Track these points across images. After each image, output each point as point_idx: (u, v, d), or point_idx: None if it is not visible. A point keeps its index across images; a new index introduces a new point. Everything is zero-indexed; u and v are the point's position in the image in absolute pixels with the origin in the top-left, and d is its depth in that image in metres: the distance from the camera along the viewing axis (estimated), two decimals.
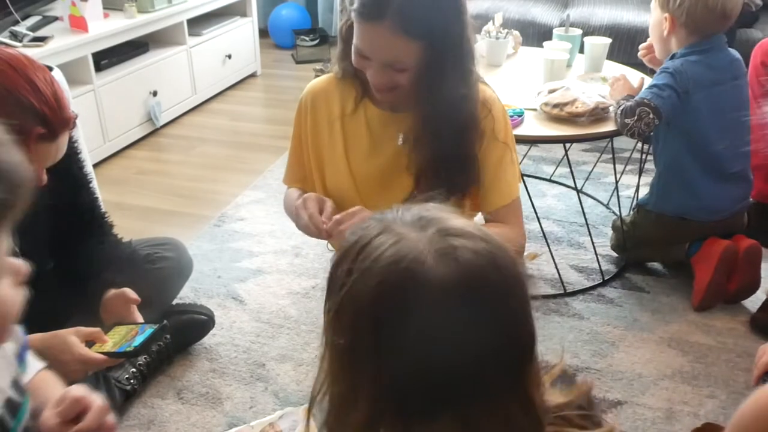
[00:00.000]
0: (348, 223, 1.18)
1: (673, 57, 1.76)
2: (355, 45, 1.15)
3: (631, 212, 2.02)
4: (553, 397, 0.63)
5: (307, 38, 4.03)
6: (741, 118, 1.82)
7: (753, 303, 1.82)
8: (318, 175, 1.34)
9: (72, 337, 1.23)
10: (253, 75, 3.80)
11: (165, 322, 1.30)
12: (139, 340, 1.25)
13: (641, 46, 1.98)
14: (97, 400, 0.96)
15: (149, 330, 1.28)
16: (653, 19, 1.83)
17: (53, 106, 1.12)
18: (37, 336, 1.24)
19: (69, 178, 1.37)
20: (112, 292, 1.36)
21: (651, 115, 1.66)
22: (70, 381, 1.25)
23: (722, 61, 1.76)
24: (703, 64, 1.73)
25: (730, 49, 1.80)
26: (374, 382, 0.55)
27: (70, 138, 1.36)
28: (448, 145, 1.19)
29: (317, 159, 1.34)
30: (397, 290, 0.54)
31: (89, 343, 1.26)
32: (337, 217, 1.20)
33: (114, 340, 1.27)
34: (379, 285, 0.54)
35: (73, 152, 1.38)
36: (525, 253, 2.04)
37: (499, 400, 0.55)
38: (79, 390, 0.97)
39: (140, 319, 1.36)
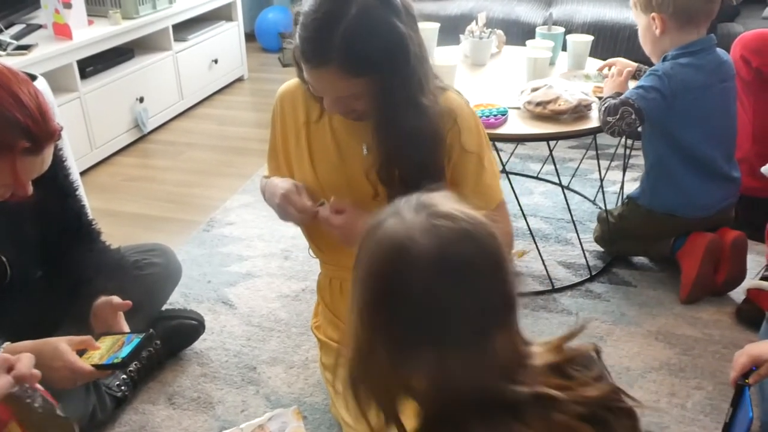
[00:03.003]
0: (337, 222, 1.22)
1: (665, 59, 1.76)
2: (306, 77, 1.15)
3: (620, 204, 2.03)
4: (547, 356, 0.74)
5: (293, 41, 4.03)
6: (728, 121, 1.84)
7: (738, 294, 1.84)
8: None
9: (63, 344, 1.24)
10: (240, 79, 3.80)
11: (151, 330, 1.30)
12: (126, 351, 1.25)
13: (598, 68, 2.04)
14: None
15: (136, 339, 1.28)
16: (640, 27, 1.82)
17: (38, 119, 1.11)
18: (28, 343, 1.24)
19: (55, 186, 1.37)
20: (101, 299, 1.36)
21: (633, 116, 1.67)
22: (59, 389, 1.26)
23: (712, 63, 1.76)
24: (693, 66, 1.72)
25: (719, 50, 1.80)
26: (387, 326, 0.70)
27: (55, 146, 1.36)
28: (410, 170, 1.18)
29: (287, 164, 1.35)
30: (393, 258, 0.69)
31: (79, 352, 1.26)
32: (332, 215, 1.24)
33: (101, 351, 1.27)
34: (379, 253, 0.71)
35: (58, 160, 1.38)
36: (513, 251, 2.06)
37: (468, 351, 0.69)
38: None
39: (127, 327, 1.35)
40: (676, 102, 1.71)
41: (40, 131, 1.12)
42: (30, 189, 1.19)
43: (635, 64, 1.97)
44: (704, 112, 1.75)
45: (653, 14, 1.75)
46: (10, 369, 1.01)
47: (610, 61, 2.04)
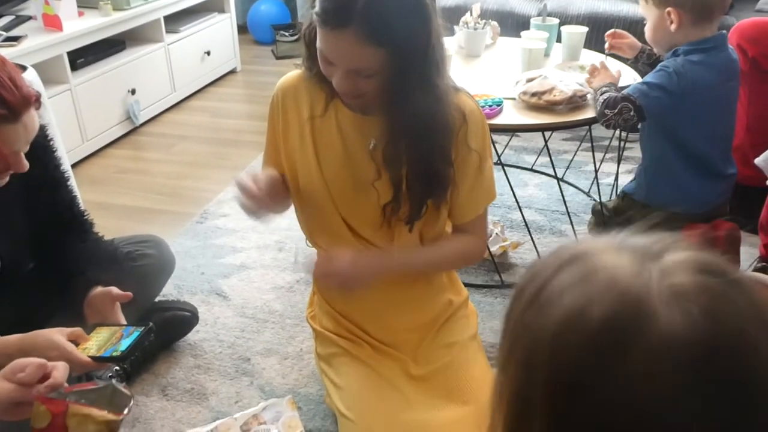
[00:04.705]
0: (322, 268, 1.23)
1: (675, 53, 1.71)
2: (319, 49, 1.12)
3: (615, 198, 2.03)
4: None
5: (286, 33, 4.01)
6: (729, 120, 1.83)
7: None
8: (291, 175, 1.31)
9: (57, 335, 1.23)
10: (232, 71, 3.78)
11: (151, 324, 1.28)
12: (125, 344, 1.24)
13: (607, 34, 1.97)
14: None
15: (135, 333, 1.26)
16: (651, 20, 1.75)
17: (9, 86, 1.11)
18: (18, 336, 1.23)
19: (45, 177, 1.36)
20: (98, 289, 1.35)
21: (632, 113, 1.64)
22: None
23: (723, 61, 1.72)
24: (704, 64, 1.68)
25: (730, 47, 1.76)
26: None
27: (46, 136, 1.35)
28: (419, 158, 1.17)
29: (289, 160, 1.31)
30: (617, 339, 0.39)
31: (73, 344, 1.25)
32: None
33: (98, 342, 1.25)
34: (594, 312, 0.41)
35: (49, 150, 1.37)
36: (507, 242, 2.06)
37: None
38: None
39: (123, 319, 1.34)
40: (683, 101, 1.67)
41: (14, 98, 1.11)
42: (26, 163, 1.18)
43: (640, 44, 1.94)
44: (709, 112, 1.71)
45: (669, 8, 1.68)
46: (46, 377, 1.05)
47: (616, 31, 1.98)
